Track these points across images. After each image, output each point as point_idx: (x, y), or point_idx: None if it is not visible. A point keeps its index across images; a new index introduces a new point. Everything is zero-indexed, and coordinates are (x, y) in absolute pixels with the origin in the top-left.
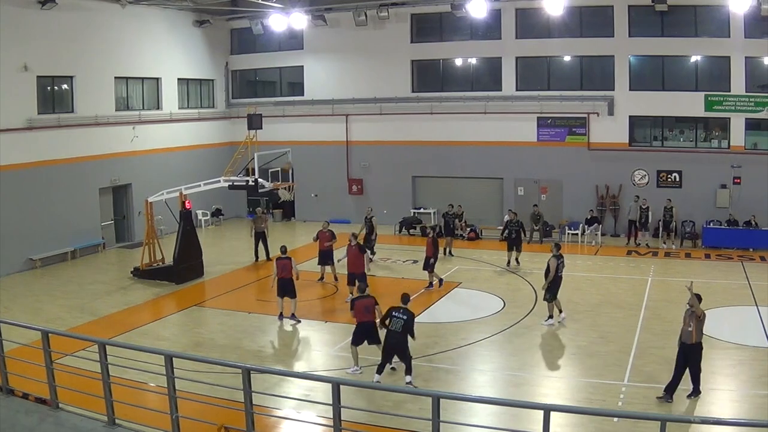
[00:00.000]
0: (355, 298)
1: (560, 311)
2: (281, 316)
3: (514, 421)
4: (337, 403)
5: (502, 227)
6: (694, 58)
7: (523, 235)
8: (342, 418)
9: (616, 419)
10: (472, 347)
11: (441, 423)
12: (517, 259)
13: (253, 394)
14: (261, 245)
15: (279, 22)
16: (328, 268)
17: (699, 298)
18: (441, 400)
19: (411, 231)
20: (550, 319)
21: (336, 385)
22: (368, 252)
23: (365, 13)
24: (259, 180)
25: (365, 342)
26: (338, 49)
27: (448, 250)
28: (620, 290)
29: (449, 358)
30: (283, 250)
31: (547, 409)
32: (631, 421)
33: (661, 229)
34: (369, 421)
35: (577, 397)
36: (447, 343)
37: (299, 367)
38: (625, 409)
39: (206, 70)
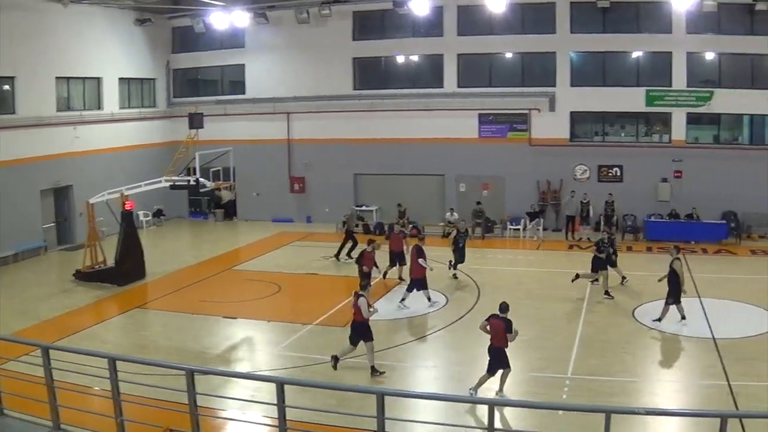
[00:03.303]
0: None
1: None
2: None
3: (459, 416)
4: (281, 403)
5: (445, 224)
6: (635, 54)
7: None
8: (287, 418)
9: (560, 412)
10: (416, 343)
11: (386, 420)
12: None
13: (197, 395)
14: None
15: (221, 20)
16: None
17: None
18: (386, 396)
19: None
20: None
21: (280, 385)
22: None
23: (307, 11)
24: (200, 180)
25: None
26: (280, 47)
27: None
28: (562, 284)
29: (393, 354)
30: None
31: (492, 404)
32: (575, 413)
33: (602, 223)
34: (314, 419)
35: (522, 391)
36: (391, 339)
37: (243, 367)
38: (570, 401)
39: (147, 69)
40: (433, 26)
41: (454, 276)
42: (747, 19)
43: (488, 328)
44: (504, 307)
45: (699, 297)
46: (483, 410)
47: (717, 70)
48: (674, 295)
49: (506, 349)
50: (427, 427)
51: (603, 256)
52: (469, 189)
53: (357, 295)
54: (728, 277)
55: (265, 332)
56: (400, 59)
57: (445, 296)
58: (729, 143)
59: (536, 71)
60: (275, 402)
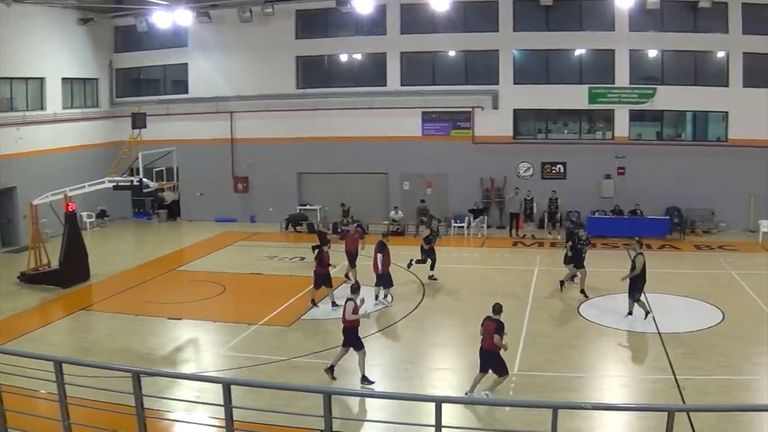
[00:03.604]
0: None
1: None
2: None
3: (406, 414)
4: (228, 403)
5: (389, 222)
6: (578, 52)
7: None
8: (234, 418)
9: (507, 408)
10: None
11: (333, 419)
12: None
13: (143, 397)
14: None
15: (163, 19)
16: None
17: None
18: (332, 396)
19: (297, 228)
20: (629, 315)
21: (226, 386)
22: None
23: (250, 10)
24: (144, 180)
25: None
26: (223, 46)
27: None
28: (507, 281)
29: (335, 353)
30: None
31: (439, 401)
32: (522, 409)
33: (546, 219)
34: (261, 420)
35: (468, 388)
36: (336, 338)
37: (189, 368)
38: (517, 398)
39: (90, 69)
40: (377, 25)
41: (432, 278)
42: (690, 16)
43: (483, 331)
44: (497, 309)
45: (644, 292)
46: (430, 408)
47: (660, 67)
48: (637, 289)
49: (500, 352)
50: (375, 426)
51: (583, 254)
52: (413, 187)
53: (347, 299)
54: (673, 272)
55: (210, 333)
56: (344, 58)
57: (390, 294)
58: (672, 140)
59: (479, 69)
60: (222, 403)
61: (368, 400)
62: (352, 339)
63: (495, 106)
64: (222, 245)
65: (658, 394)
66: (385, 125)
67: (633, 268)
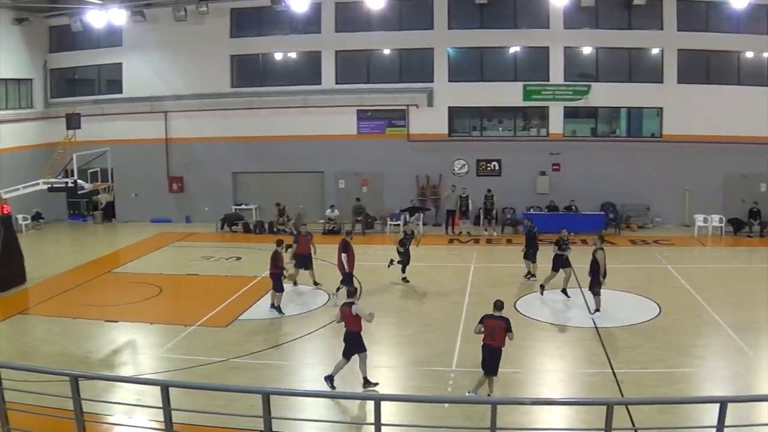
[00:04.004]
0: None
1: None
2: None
3: (345, 413)
4: (167, 406)
5: (326, 221)
6: (513, 50)
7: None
8: (174, 420)
9: (446, 405)
10: (298, 342)
11: (272, 419)
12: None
13: (82, 401)
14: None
15: (98, 18)
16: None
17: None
18: (271, 396)
19: (233, 228)
20: (597, 312)
21: (165, 388)
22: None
23: (184, 8)
24: (79, 181)
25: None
26: (157, 45)
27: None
28: (444, 278)
29: (276, 353)
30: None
31: (378, 399)
32: (461, 405)
33: (482, 216)
34: (201, 422)
35: (407, 386)
36: (273, 338)
37: (127, 371)
38: (455, 394)
39: (24, 69)
40: (311, 23)
41: (405, 279)
42: (624, 13)
43: (482, 329)
44: (500, 305)
45: (580, 287)
46: (369, 406)
47: (594, 64)
48: (598, 283)
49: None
50: (314, 425)
51: (565, 254)
52: (348, 185)
53: (347, 304)
54: (609, 267)
55: (148, 335)
56: (279, 56)
57: (328, 294)
58: (607, 136)
59: (414, 67)
60: (161, 405)
61: (308, 400)
62: (359, 343)
63: (430, 104)
64: (158, 246)
65: (597, 388)
66: (320, 124)
67: (595, 262)
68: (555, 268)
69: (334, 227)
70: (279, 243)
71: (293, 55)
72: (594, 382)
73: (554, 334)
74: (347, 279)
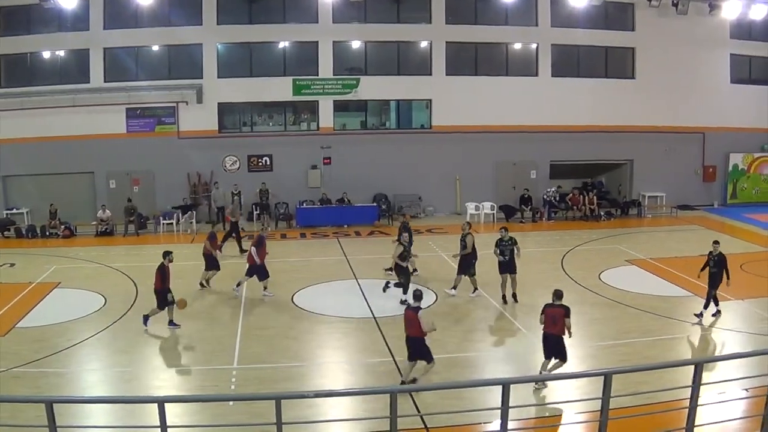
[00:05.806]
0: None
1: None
2: None
3: (131, 416)
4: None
5: (98, 222)
6: (282, 44)
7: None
8: None
9: (231, 403)
10: (78, 347)
11: (57, 428)
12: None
13: None
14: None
15: None
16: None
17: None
18: (54, 405)
19: (5, 233)
20: (453, 290)
21: None
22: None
23: None
24: None
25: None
26: None
27: None
28: (219, 275)
29: (57, 361)
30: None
31: (161, 401)
32: (246, 402)
33: (256, 212)
34: None
35: (190, 386)
36: (53, 345)
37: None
38: (238, 391)
39: None
40: (80, 20)
41: (405, 303)
42: (393, 7)
43: (544, 318)
44: (560, 294)
45: (356, 278)
46: (154, 408)
47: (363, 58)
48: (465, 267)
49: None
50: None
51: (506, 258)
52: (119, 185)
53: (413, 309)
54: (383, 258)
55: None
56: (47, 55)
57: (103, 297)
58: (376, 128)
59: (184, 63)
60: None
61: (91, 406)
62: (423, 350)
63: (199, 101)
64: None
65: (381, 376)
66: (89, 123)
67: (464, 247)
68: (501, 272)
69: (107, 228)
70: (165, 254)
71: (62, 53)
72: (378, 371)
73: (334, 326)
74: (258, 270)
